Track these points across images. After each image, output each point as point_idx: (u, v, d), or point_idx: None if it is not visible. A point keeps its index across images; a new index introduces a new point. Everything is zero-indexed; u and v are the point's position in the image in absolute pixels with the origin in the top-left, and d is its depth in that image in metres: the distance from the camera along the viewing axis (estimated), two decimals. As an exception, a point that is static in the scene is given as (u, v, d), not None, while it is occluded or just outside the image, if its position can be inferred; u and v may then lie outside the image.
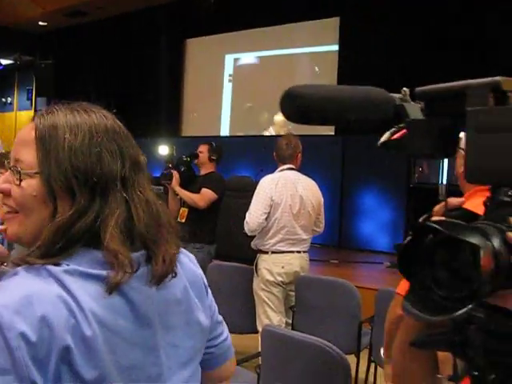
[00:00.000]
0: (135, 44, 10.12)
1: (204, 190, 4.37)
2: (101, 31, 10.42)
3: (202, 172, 4.63)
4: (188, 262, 1.08)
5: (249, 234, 3.77)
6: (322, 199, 3.89)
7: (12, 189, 0.92)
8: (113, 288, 0.86)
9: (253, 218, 3.66)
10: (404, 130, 0.70)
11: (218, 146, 4.71)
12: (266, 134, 9.11)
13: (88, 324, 0.83)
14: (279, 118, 8.60)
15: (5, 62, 12.40)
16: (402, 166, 7.15)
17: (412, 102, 0.70)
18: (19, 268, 0.87)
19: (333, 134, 8.19)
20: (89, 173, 0.89)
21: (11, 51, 11.77)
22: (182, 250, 1.07)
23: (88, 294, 0.85)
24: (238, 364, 3.23)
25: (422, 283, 0.62)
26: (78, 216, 0.88)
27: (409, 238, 0.62)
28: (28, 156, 0.92)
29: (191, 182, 4.54)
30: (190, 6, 9.06)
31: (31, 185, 0.91)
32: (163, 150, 5.16)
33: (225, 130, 9.74)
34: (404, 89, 0.70)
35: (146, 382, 0.92)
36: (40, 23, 10.93)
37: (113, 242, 0.87)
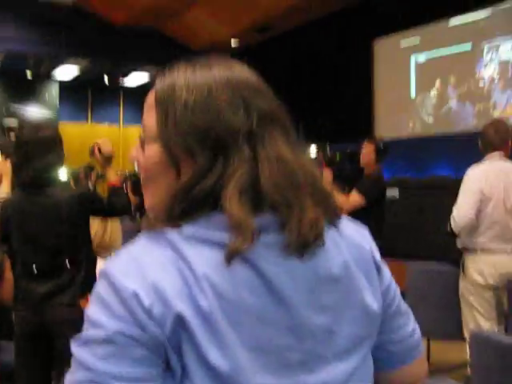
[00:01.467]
0: (323, 52, 10.18)
1: (352, 194, 4.28)
2: (286, 43, 10.66)
3: (365, 172, 4.50)
4: (353, 233, 0.91)
5: (456, 232, 3.40)
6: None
7: (139, 156, 0.87)
8: (233, 256, 0.74)
9: (461, 213, 3.30)
10: None
11: (383, 144, 4.55)
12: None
13: (204, 294, 0.73)
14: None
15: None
16: None
17: None
18: (141, 234, 0.81)
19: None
20: (208, 130, 0.79)
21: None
22: (346, 218, 0.90)
23: (206, 261, 0.75)
24: (442, 373, 2.99)
25: None
26: (198, 178, 0.78)
27: None
28: (149, 121, 0.85)
29: (352, 179, 4.50)
30: (374, 7, 8.90)
31: (153, 150, 0.84)
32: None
33: (418, 129, 9.28)
34: None
35: (282, 369, 0.77)
36: (233, 43, 11.49)
37: (233, 205, 0.75)
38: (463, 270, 3.41)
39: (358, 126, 9.69)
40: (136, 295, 0.72)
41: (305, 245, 0.78)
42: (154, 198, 0.87)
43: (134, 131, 13.67)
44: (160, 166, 0.84)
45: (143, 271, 0.74)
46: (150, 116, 0.86)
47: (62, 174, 11.18)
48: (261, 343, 0.76)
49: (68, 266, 2.64)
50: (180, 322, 0.72)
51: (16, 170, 2.61)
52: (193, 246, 0.76)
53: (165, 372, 0.73)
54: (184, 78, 0.84)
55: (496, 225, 3.28)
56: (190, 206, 0.78)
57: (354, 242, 0.89)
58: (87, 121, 13.81)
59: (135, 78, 13.03)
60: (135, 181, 9.92)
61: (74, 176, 9.15)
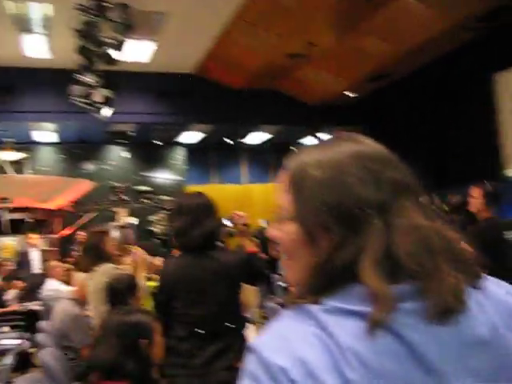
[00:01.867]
0: (440, 93, 9.97)
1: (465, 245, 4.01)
2: (404, 89, 10.55)
3: (477, 218, 4.26)
4: (497, 290, 0.89)
5: None
6: None
7: (278, 235, 0.92)
8: (375, 326, 0.76)
9: None
10: None
11: (493, 186, 4.27)
12: None
13: (350, 366, 0.74)
14: None
15: (322, 135, 13.52)
16: None
17: None
18: (284, 309, 0.85)
19: None
20: (340, 206, 0.83)
21: (325, 126, 12.75)
22: (489, 277, 0.89)
23: (349, 333, 0.77)
24: None
25: None
26: (334, 252, 0.82)
27: None
28: (284, 200, 0.91)
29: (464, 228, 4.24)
30: (493, 39, 8.65)
31: (290, 229, 0.89)
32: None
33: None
34: None
35: None
36: (348, 94, 11.56)
37: (370, 277, 0.78)
38: None
39: (485, 164, 9.30)
40: (285, 370, 0.75)
41: (446, 310, 0.78)
42: (294, 273, 0.91)
43: (256, 189, 14.02)
44: (298, 242, 0.88)
45: (290, 346, 0.77)
46: (284, 196, 0.91)
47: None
48: None
49: (229, 329, 2.67)
50: None
51: (179, 235, 2.71)
52: (335, 319, 0.79)
53: None
54: (314, 156, 0.89)
55: None
56: (329, 279, 0.82)
57: (499, 300, 0.86)
58: (212, 182, 14.39)
59: (256, 137, 13.47)
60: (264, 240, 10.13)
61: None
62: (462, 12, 8.03)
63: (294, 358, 0.75)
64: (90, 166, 12.84)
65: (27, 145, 12.33)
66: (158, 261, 7.39)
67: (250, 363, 0.80)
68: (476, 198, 4.22)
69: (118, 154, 13.26)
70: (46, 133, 12.04)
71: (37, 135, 12.19)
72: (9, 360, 4.07)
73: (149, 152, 13.20)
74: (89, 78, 8.23)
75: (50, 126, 11.43)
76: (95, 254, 4.05)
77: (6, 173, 11.91)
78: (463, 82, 9.58)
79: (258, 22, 8.72)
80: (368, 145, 0.90)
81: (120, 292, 3.20)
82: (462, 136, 9.83)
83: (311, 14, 8.30)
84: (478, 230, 4.17)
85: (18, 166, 12.33)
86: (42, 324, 4.54)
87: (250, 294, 3.53)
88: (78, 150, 12.82)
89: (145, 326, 2.24)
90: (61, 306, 4.64)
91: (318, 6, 8.07)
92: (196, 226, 2.68)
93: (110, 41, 7.17)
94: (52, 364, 3.08)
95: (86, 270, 4.08)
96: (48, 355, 3.18)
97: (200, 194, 2.85)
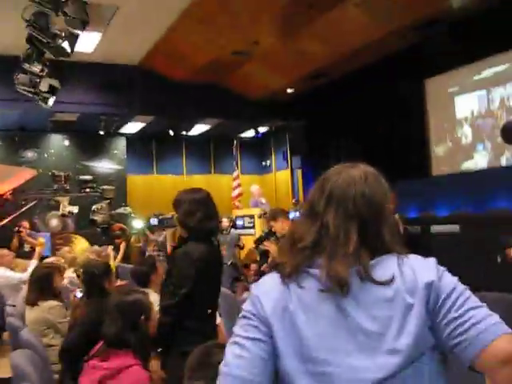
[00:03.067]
0: (376, 94, 10.55)
1: None
2: (342, 88, 11.08)
3: None
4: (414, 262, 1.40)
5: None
6: None
7: None
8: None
9: None
10: None
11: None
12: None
13: (292, 301, 1.34)
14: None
15: (262, 129, 14.00)
16: None
17: None
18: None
19: None
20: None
21: (266, 120, 13.20)
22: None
23: (300, 286, 1.36)
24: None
25: None
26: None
27: None
28: None
29: None
30: (425, 47, 9.31)
31: None
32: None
33: (479, 163, 9.40)
34: None
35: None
36: (288, 90, 12.03)
37: None
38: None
39: (415, 164, 9.98)
40: (258, 297, 1.38)
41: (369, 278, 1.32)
42: None
43: (197, 180, 14.28)
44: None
45: (264, 287, 1.41)
46: None
47: (139, 224, 11.65)
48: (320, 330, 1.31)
49: None
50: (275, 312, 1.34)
51: (204, 222, 2.96)
52: (295, 277, 1.36)
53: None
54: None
55: None
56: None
57: (413, 269, 1.32)
58: (152, 172, 14.53)
59: (196, 129, 13.72)
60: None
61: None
62: (398, 21, 8.61)
63: (264, 292, 1.38)
64: (30, 154, 12.71)
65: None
66: (110, 249, 7.65)
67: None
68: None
69: (60, 143, 13.17)
70: (-16, 119, 11.83)
71: (-26, 121, 11.96)
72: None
73: (90, 141, 13.19)
74: (36, 67, 8.24)
75: (-11, 112, 11.26)
76: (42, 289, 4.10)
77: None
78: (396, 85, 10.20)
79: (205, 20, 8.98)
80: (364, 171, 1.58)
81: (97, 276, 3.47)
82: (393, 136, 10.50)
83: (256, 16, 8.67)
84: None
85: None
86: (7, 308, 4.72)
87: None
88: (18, 138, 12.65)
89: (143, 303, 2.56)
90: (21, 294, 4.84)
91: (263, 9, 8.44)
92: (214, 216, 3.06)
93: (62, 33, 7.24)
94: (32, 347, 3.32)
95: (32, 304, 4.08)
96: (25, 336, 3.42)
97: (202, 189, 3.13)
